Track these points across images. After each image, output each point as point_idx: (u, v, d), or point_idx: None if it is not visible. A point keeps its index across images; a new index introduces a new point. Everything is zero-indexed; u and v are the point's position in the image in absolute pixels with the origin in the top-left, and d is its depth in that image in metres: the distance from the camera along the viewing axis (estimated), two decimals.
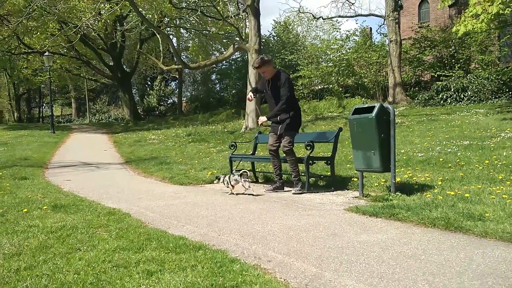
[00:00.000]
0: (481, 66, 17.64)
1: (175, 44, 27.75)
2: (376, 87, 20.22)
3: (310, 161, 5.50)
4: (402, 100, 17.50)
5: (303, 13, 26.74)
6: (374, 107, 4.47)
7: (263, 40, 25.33)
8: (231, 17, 19.24)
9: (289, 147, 5.38)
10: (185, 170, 7.96)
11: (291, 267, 2.58)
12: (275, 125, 5.55)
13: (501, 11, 9.04)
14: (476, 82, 15.48)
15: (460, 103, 15.31)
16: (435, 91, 16.44)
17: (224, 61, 27.67)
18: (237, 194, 5.42)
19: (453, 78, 16.58)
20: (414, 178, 5.31)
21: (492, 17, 9.33)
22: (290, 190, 5.49)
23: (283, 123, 5.42)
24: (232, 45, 17.63)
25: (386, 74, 19.70)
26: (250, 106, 15.52)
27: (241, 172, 5.44)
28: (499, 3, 8.89)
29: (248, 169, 7.00)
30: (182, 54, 31.16)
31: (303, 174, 5.66)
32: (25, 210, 4.32)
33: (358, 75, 20.79)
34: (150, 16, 22.62)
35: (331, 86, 21.09)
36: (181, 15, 24.10)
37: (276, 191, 5.59)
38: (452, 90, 15.86)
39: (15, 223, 3.74)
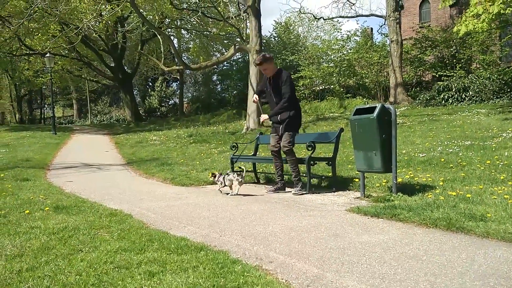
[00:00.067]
0: (482, 66, 17.62)
1: (176, 45, 27.77)
2: (377, 87, 20.21)
3: (312, 162, 5.50)
4: (404, 100, 17.49)
5: (304, 13, 26.84)
6: (375, 107, 4.47)
7: (264, 40, 25.32)
8: (232, 18, 19.26)
9: (289, 147, 5.38)
10: (186, 171, 7.96)
11: (292, 268, 2.58)
12: (277, 126, 5.55)
13: (502, 11, 9.03)
14: (477, 82, 15.46)
15: (462, 103, 15.29)
16: (436, 91, 16.43)
17: (225, 62, 27.64)
18: (227, 193, 5.52)
19: (454, 78, 16.57)
20: (415, 179, 5.31)
21: (493, 17, 9.33)
22: (291, 191, 5.49)
23: (283, 123, 5.43)
24: (233, 46, 17.62)
25: (387, 75, 19.68)
26: (251, 107, 15.52)
27: (237, 172, 5.48)
28: (500, 3, 8.88)
29: (250, 169, 7.01)
30: (183, 55, 31.18)
31: (304, 174, 5.66)
32: (27, 211, 4.33)
33: (359, 75, 20.79)
34: (151, 17, 22.66)
35: (332, 86, 21.08)
36: (182, 16, 24.13)
37: (278, 192, 5.59)
38: (453, 90, 15.84)
39: (17, 225, 3.75)
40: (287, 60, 24.91)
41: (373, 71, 20.57)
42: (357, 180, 5.38)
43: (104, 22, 22.25)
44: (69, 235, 3.36)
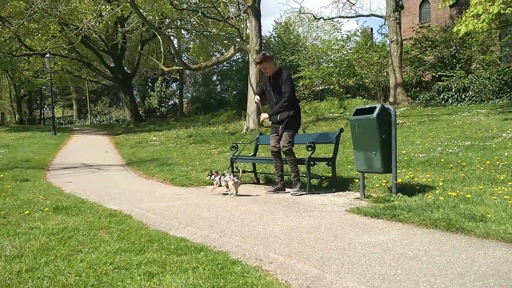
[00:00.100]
0: (482, 66, 17.61)
1: (176, 45, 27.76)
2: (377, 87, 20.20)
3: (311, 162, 5.50)
4: (403, 100, 17.48)
5: (303, 13, 26.85)
6: (375, 107, 4.47)
7: (264, 41, 25.34)
8: (232, 18, 19.26)
9: (288, 147, 5.38)
10: (186, 172, 7.96)
11: (292, 269, 2.58)
12: (277, 126, 5.55)
13: (502, 11, 9.03)
14: (477, 82, 15.45)
15: (461, 103, 15.28)
16: (436, 91, 16.42)
17: (225, 62, 27.65)
18: (224, 193, 5.56)
19: (454, 78, 16.56)
20: (415, 179, 5.30)
21: (493, 17, 9.33)
22: (290, 191, 5.49)
23: (283, 123, 5.43)
24: (233, 46, 17.63)
25: (387, 75, 19.68)
26: (251, 107, 15.52)
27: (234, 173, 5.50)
28: (500, 3, 8.88)
29: (249, 170, 7.01)
30: (183, 55, 31.18)
31: (303, 175, 5.66)
32: (27, 212, 4.33)
33: (359, 75, 20.78)
34: (151, 17, 22.64)
35: (332, 86, 21.07)
36: (182, 16, 24.12)
37: (278, 193, 5.59)
38: (453, 90, 15.83)
39: (17, 225, 3.75)
40: (287, 60, 24.91)
41: (373, 71, 20.57)
42: (357, 180, 5.38)
43: (104, 22, 22.26)
44: (69, 235, 3.36)
